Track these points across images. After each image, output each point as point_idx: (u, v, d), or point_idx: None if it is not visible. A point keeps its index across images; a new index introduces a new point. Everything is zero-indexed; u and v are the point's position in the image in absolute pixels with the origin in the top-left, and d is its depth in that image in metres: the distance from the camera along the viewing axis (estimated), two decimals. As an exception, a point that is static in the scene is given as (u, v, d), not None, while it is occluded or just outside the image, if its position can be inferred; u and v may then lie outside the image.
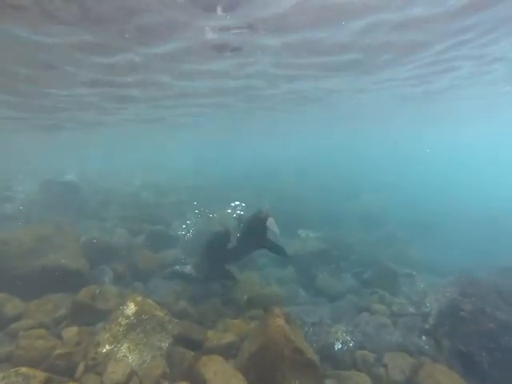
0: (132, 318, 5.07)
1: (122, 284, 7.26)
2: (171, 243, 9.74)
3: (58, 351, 4.43)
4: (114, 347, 4.73)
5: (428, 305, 6.23)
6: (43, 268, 6.33)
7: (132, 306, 5.19)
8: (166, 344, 5.09)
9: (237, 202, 9.36)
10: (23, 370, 3.91)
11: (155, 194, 15.42)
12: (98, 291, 5.82)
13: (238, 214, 7.99)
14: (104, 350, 4.63)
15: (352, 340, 5.68)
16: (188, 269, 7.21)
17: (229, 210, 9.68)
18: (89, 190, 13.99)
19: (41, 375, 3.93)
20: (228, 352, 4.92)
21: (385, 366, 5.03)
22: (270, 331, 4.52)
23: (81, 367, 4.42)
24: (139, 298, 5.42)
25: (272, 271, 9.51)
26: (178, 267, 7.48)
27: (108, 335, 4.81)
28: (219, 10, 5.85)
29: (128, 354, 4.72)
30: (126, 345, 4.81)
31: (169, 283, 7.84)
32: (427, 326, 5.81)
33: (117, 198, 13.51)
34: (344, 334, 5.82)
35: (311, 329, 5.95)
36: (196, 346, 5.09)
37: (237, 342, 5.15)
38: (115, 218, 11.42)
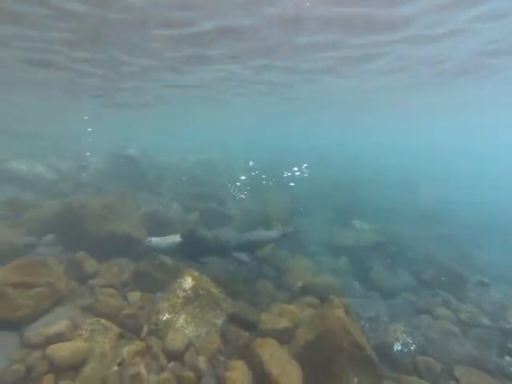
0: (189, 291, 5.21)
1: (177, 257, 7.47)
2: (224, 221, 9.85)
3: (126, 311, 4.74)
4: (173, 317, 4.91)
5: (511, 320, 5.55)
6: (111, 234, 6.79)
7: (189, 281, 5.32)
8: (220, 321, 5.19)
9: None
10: (103, 321, 4.35)
11: (209, 172, 15.75)
12: (157, 262, 6.04)
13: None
14: (164, 318, 4.82)
15: (413, 343, 5.28)
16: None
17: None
18: (147, 164, 14.65)
19: (116, 329, 4.36)
20: (282, 337, 4.84)
21: (456, 380, 4.57)
22: (329, 322, 4.35)
23: (145, 329, 4.69)
24: (196, 274, 5.55)
25: (324, 259, 9.27)
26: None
27: (167, 305, 5.00)
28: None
29: (185, 325, 4.88)
30: (183, 316, 4.98)
31: (222, 261, 7.99)
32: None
33: (172, 173, 14.05)
34: (404, 335, 5.44)
35: (367, 324, 5.64)
36: (250, 327, 5.10)
37: (291, 328, 5.05)
38: (170, 193, 11.86)
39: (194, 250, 6.47)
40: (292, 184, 14.81)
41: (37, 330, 4.01)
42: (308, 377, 4.08)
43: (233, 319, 5.24)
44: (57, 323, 4.16)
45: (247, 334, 4.76)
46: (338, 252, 9.67)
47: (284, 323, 5.10)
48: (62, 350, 3.73)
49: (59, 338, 3.97)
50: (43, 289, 4.50)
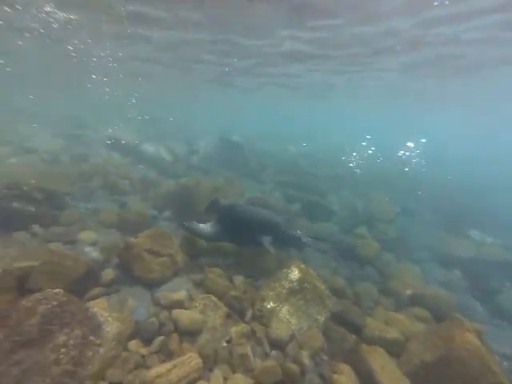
0: (295, 283, 5.15)
1: (278, 247, 7.51)
2: (326, 216, 9.54)
3: (232, 293, 4.93)
4: (277, 306, 4.94)
5: None
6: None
7: (296, 272, 5.26)
8: (323, 318, 5.02)
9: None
10: (213, 298, 4.61)
11: (312, 163, 15.51)
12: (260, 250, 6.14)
13: None
14: (268, 306, 4.88)
15: None
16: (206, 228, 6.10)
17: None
18: (250, 151, 15.19)
19: (224, 308, 4.57)
20: (391, 348, 4.42)
21: None
22: (456, 346, 3.75)
23: (249, 313, 4.83)
24: (303, 266, 5.46)
25: (432, 269, 8.19)
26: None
27: (272, 293, 5.05)
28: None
29: (288, 317, 4.86)
30: (286, 307, 4.96)
31: (323, 256, 7.77)
32: None
33: (274, 162, 14.25)
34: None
35: (505, 363, 4.68)
36: (354, 329, 4.80)
37: (401, 340, 4.57)
38: (272, 182, 12.04)
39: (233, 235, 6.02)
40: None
41: (163, 293, 4.53)
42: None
43: (336, 318, 5.03)
44: (177, 292, 4.62)
45: (354, 336, 4.46)
46: (449, 263, 8.42)
47: (393, 333, 4.64)
48: (184, 316, 4.12)
49: (180, 304, 4.41)
50: (167, 259, 5.03)
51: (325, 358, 4.24)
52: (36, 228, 5.94)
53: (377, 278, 6.97)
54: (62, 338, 3.03)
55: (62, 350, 2.98)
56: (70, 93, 30.10)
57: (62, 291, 3.40)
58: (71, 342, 3.06)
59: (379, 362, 3.84)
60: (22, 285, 4.02)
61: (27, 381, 2.70)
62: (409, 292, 6.19)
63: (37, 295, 3.23)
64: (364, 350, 4.07)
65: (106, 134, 14.20)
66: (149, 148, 12.45)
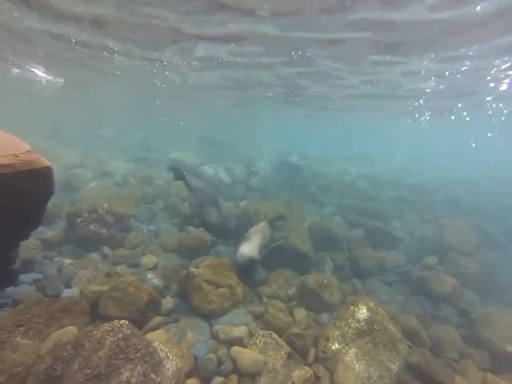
0: (363, 323, 4.67)
1: (340, 276, 7.03)
2: (391, 244, 8.75)
3: (294, 329, 4.62)
4: (342, 348, 4.49)
5: None
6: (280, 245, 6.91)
7: (364, 311, 4.78)
8: (396, 366, 4.40)
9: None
10: (274, 335, 4.35)
11: (372, 186, 14.61)
12: (325, 281, 5.75)
13: None
14: (333, 348, 4.47)
15: None
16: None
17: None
18: (309, 172, 14.84)
19: (286, 347, 4.29)
20: None
21: None
22: None
23: (311, 354, 4.48)
24: (371, 304, 4.94)
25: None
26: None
27: (338, 333, 4.62)
28: None
29: (355, 362, 4.37)
30: (353, 350, 4.48)
31: (388, 288, 7.05)
32: None
33: (334, 184, 13.67)
34: None
35: None
36: None
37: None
38: (332, 206, 11.50)
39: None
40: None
41: (222, 327, 4.38)
42: None
43: (413, 370, 4.31)
44: (237, 327, 4.44)
45: (439, 400, 3.76)
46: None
47: None
48: (243, 356, 3.91)
49: (239, 341, 4.21)
50: (226, 290, 4.91)
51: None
52: (106, 250, 6.33)
53: (457, 321, 6.01)
54: (125, 375, 3.00)
55: (126, 387, 2.95)
56: (140, 121, 33.17)
57: (126, 323, 3.42)
58: (133, 379, 3.01)
59: None
60: (94, 309, 4.20)
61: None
62: (509, 347, 5.04)
63: (106, 326, 3.28)
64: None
65: (168, 157, 15.02)
66: (208, 170, 12.79)
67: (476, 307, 6.33)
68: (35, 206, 2.92)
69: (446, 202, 12.73)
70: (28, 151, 2.55)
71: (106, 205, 6.86)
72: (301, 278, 6.21)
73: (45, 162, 2.68)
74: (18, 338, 3.32)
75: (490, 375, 4.32)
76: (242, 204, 9.56)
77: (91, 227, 6.39)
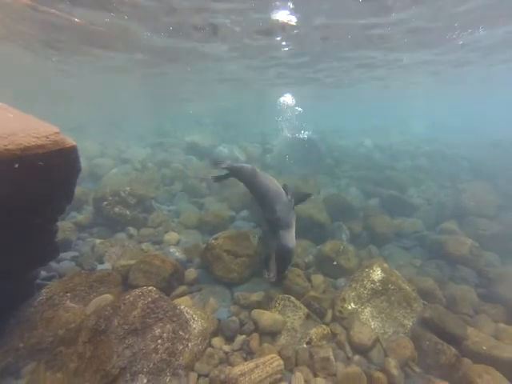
0: (378, 283, 4.86)
1: (357, 244, 7.21)
2: (408, 211, 8.77)
3: (312, 293, 4.87)
4: (358, 308, 4.72)
5: None
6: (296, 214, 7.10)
7: (379, 272, 4.96)
8: (410, 323, 4.60)
9: None
10: (292, 299, 4.61)
11: (389, 156, 14.43)
12: (341, 248, 5.93)
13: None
14: (349, 308, 4.70)
15: None
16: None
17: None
18: (324, 147, 14.79)
19: (304, 309, 4.55)
20: (506, 372, 3.61)
21: None
22: None
23: (329, 315, 4.72)
24: (386, 265, 5.12)
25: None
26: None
27: (353, 294, 4.84)
28: None
29: (370, 320, 4.61)
30: (368, 309, 4.71)
31: (405, 253, 7.16)
32: None
33: (349, 157, 13.62)
34: None
35: None
36: (451, 340, 4.14)
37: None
38: (348, 177, 11.52)
39: None
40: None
41: (242, 294, 4.70)
42: None
43: (427, 324, 4.49)
44: (256, 293, 4.74)
45: (453, 350, 3.93)
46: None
47: (510, 352, 3.81)
48: (264, 317, 4.21)
49: (259, 305, 4.52)
50: (245, 259, 5.18)
51: (417, 370, 3.88)
52: (131, 230, 6.74)
53: (475, 280, 6.09)
54: (157, 331, 3.37)
55: (159, 341, 3.32)
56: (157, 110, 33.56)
57: (154, 289, 3.78)
58: (165, 335, 3.38)
59: (492, 385, 3.30)
60: (125, 280, 4.62)
61: (136, 363, 3.10)
62: None
63: (137, 291, 3.66)
64: (472, 370, 3.53)
65: (184, 140, 15.33)
66: (223, 150, 13.04)
67: (495, 267, 6.36)
68: (67, 181, 3.25)
69: (466, 167, 12.43)
70: (56, 132, 2.85)
71: (127, 188, 7.25)
72: (318, 246, 6.44)
73: (71, 141, 2.98)
74: (68, 302, 3.84)
75: (502, 325, 4.46)
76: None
77: (116, 209, 6.81)
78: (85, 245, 5.90)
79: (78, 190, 6.89)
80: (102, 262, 5.43)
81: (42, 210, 3.14)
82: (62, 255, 5.23)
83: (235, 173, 6.35)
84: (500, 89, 26.74)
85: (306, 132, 15.26)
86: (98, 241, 6.05)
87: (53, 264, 4.93)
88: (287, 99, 19.53)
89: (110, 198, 6.90)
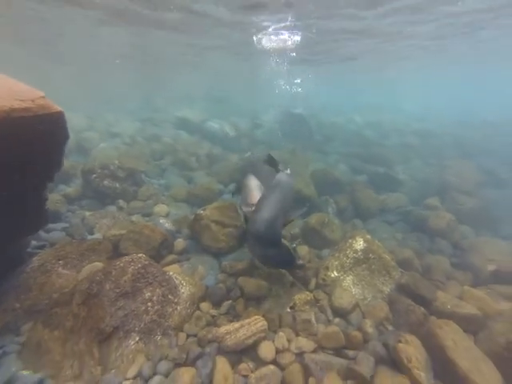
0: (360, 253, 5.10)
1: (343, 218, 7.45)
2: (393, 186, 9.01)
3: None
4: (341, 276, 4.96)
5: None
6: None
7: (361, 242, 5.19)
8: (388, 289, 4.90)
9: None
10: (278, 268, 4.78)
11: (378, 133, 14.55)
12: (326, 220, 6.14)
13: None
14: (332, 275, 4.94)
15: None
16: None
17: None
18: (314, 123, 14.80)
19: (289, 277, 4.82)
20: (465, 325, 4.04)
21: None
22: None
23: (313, 282, 4.95)
24: (368, 236, 5.35)
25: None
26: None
27: (337, 263, 5.07)
28: None
29: (351, 287, 4.87)
30: (350, 277, 4.96)
31: (389, 227, 7.44)
32: None
33: (340, 134, 13.69)
34: None
35: None
36: (422, 302, 4.49)
37: (479, 317, 4.17)
38: (337, 154, 11.66)
39: None
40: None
41: (230, 262, 4.90)
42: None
43: (403, 290, 4.80)
44: (242, 261, 4.93)
45: (422, 309, 4.26)
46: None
47: (469, 309, 4.24)
48: (249, 283, 4.44)
49: (245, 272, 4.73)
50: (232, 229, 5.35)
51: (390, 327, 4.20)
52: (121, 202, 6.83)
53: (450, 252, 6.44)
54: (147, 294, 3.56)
55: (149, 303, 3.52)
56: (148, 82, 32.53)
57: (144, 255, 3.94)
58: (155, 298, 3.57)
59: (451, 337, 3.61)
60: (115, 249, 4.76)
61: (128, 323, 3.32)
62: (491, 268, 5.57)
63: (127, 258, 3.81)
64: (434, 323, 3.87)
65: (174, 115, 15.12)
66: (213, 125, 12.95)
67: (469, 239, 6.70)
68: (54, 148, 3.29)
69: (452, 145, 12.67)
70: (42, 97, 2.86)
71: (116, 161, 7.25)
72: (304, 219, 6.64)
73: (57, 107, 2.99)
74: (60, 269, 4.00)
75: (466, 287, 4.82)
76: (247, 155, 9.83)
77: (105, 182, 6.85)
78: (75, 216, 5.98)
79: (66, 163, 6.88)
80: (92, 233, 5.55)
81: (30, 175, 3.19)
82: (52, 226, 5.31)
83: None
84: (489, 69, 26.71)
85: (297, 108, 15.22)
86: (87, 213, 6.13)
87: (43, 234, 5.03)
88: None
89: (99, 171, 6.91)
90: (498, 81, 40.51)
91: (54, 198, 6.02)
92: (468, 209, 7.64)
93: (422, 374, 3.18)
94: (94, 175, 6.82)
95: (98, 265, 4.18)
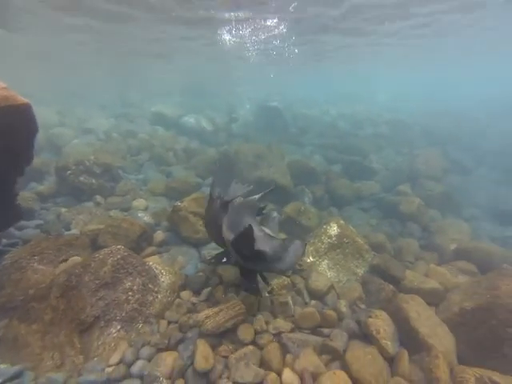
0: (334, 238, 5.33)
1: (319, 206, 7.69)
2: (367, 175, 9.37)
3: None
4: (316, 260, 5.19)
5: None
6: (260, 178, 7.47)
7: (335, 228, 5.43)
8: (362, 271, 5.20)
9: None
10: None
11: (352, 124, 14.97)
12: (302, 208, 6.35)
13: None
14: (308, 261, 5.16)
15: None
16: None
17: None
18: (290, 116, 15.02)
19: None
20: (429, 298, 4.43)
21: None
22: (500, 293, 3.70)
23: (289, 268, 5.14)
24: (342, 222, 5.59)
25: (483, 226, 7.74)
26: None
27: (312, 248, 5.29)
28: None
29: (327, 270, 5.11)
30: (325, 261, 5.20)
31: (364, 214, 7.77)
32: None
33: (315, 125, 13.98)
34: None
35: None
36: (393, 281, 4.84)
37: (441, 290, 4.56)
38: (312, 145, 11.94)
39: None
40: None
41: (209, 251, 5.02)
42: (462, 347, 3.69)
43: (375, 271, 5.13)
44: (221, 250, 5.04)
45: (391, 287, 4.58)
46: (506, 220, 7.89)
47: (432, 284, 4.65)
48: (227, 270, 4.57)
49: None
50: (212, 220, 5.43)
51: (362, 306, 4.47)
52: (98, 198, 6.76)
53: (419, 234, 6.85)
54: (128, 284, 3.62)
55: (129, 293, 3.59)
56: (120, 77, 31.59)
57: (123, 247, 3.98)
58: (135, 287, 3.64)
59: (415, 309, 3.92)
60: (94, 243, 4.76)
61: (110, 312, 3.39)
62: (453, 246, 6.02)
63: (106, 250, 3.84)
64: (401, 298, 4.18)
65: (150, 111, 14.91)
66: (189, 120, 12.91)
67: (437, 222, 7.15)
68: (22, 141, 3.24)
69: (421, 135, 13.25)
70: (4, 87, 2.80)
71: (92, 157, 7.15)
72: (281, 209, 6.82)
73: (23, 99, 2.94)
74: (36, 264, 3.95)
75: (432, 265, 5.24)
76: (223, 148, 9.90)
77: (81, 178, 6.75)
78: (49, 213, 5.88)
79: (37, 160, 6.74)
80: (69, 229, 5.49)
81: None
82: (25, 223, 5.22)
83: None
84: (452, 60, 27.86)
85: (273, 102, 15.37)
86: (63, 209, 6.04)
87: (15, 232, 4.92)
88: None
89: (74, 168, 6.80)
90: (457, 76, 42.56)
91: (26, 196, 5.87)
92: (436, 194, 8.11)
93: (389, 342, 3.46)
94: (69, 172, 6.71)
95: (77, 259, 4.18)
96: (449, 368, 3.25)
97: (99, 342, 3.23)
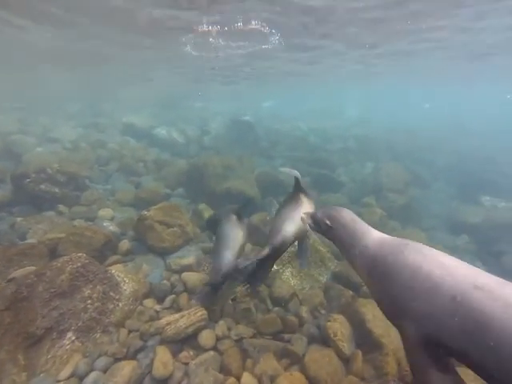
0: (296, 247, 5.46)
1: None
2: (335, 188, 9.75)
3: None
4: (280, 269, 5.30)
5: None
6: (227, 190, 7.56)
7: (298, 238, 5.57)
8: (324, 279, 5.37)
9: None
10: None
11: (322, 139, 15.58)
12: (267, 218, 6.50)
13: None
14: (272, 270, 5.24)
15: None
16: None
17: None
18: (261, 130, 15.40)
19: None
20: None
21: None
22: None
23: (254, 276, 5.21)
24: (305, 232, 5.75)
25: (439, 235, 8.32)
26: None
27: (276, 257, 5.39)
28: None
29: (290, 278, 5.23)
30: (289, 269, 5.32)
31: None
32: None
33: (285, 139, 14.43)
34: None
35: None
36: (354, 288, 5.08)
37: (397, 294, 4.80)
38: (283, 158, 12.27)
39: None
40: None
41: (174, 260, 5.01)
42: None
43: (337, 278, 5.34)
44: (187, 258, 5.09)
45: (351, 293, 4.78)
46: (457, 229, 8.53)
47: None
48: (192, 278, 4.59)
49: (189, 268, 4.87)
50: (177, 229, 5.47)
51: (323, 311, 4.61)
52: (61, 207, 6.56)
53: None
54: (87, 292, 3.55)
55: (88, 301, 3.51)
56: (89, 85, 30.95)
57: (84, 255, 3.90)
58: (95, 295, 3.58)
59: (372, 312, 4.11)
60: (53, 253, 4.61)
61: (64, 322, 3.28)
62: None
63: (65, 258, 3.75)
64: (359, 303, 4.37)
65: (120, 121, 14.74)
66: (161, 131, 12.92)
67: (397, 232, 7.54)
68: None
69: (385, 149, 14.02)
70: None
71: (56, 165, 6.96)
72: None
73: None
74: None
75: None
76: (193, 159, 9.97)
77: (42, 187, 6.53)
78: (2, 223, 5.62)
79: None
80: (24, 239, 5.27)
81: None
82: (-29, 233, 4.97)
83: None
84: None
85: (245, 116, 15.71)
86: (19, 219, 5.81)
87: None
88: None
89: (34, 175, 6.57)
90: (417, 96, 45.88)
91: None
92: (398, 205, 8.59)
93: (345, 344, 3.61)
94: (28, 180, 6.47)
95: (30, 269, 4.03)
96: (397, 363, 3.44)
97: (49, 356, 3.11)
